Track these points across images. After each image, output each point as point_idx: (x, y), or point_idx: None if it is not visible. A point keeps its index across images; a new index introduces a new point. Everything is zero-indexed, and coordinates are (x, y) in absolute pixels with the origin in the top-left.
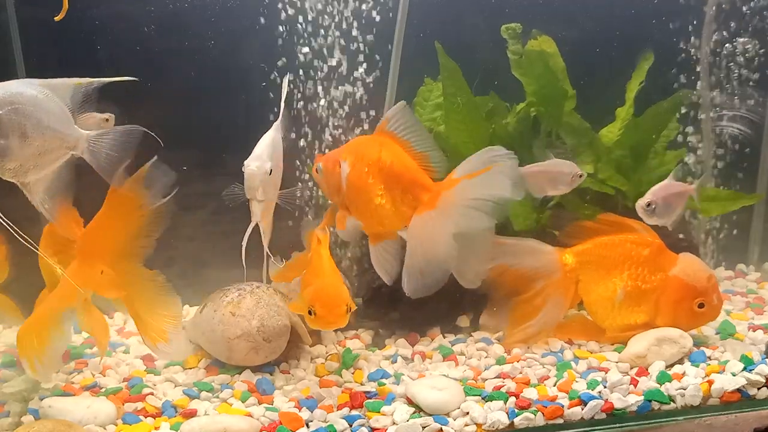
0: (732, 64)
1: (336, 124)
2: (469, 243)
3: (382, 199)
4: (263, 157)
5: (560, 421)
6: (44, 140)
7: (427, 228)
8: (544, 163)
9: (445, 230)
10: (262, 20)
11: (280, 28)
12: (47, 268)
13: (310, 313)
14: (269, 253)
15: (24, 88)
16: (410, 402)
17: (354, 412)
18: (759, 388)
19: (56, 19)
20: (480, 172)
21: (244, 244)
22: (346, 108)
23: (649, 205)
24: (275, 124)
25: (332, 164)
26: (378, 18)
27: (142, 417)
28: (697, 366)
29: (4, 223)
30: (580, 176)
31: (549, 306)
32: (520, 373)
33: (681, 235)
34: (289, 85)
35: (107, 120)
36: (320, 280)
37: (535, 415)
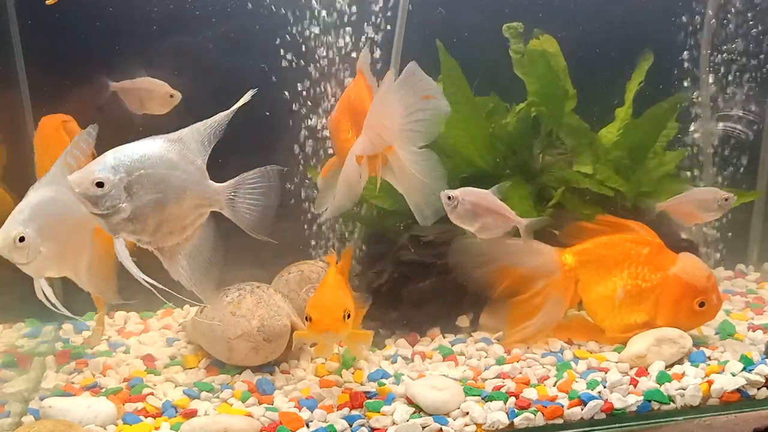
0: (732, 64)
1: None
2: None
3: (348, 134)
4: (93, 167)
5: (560, 421)
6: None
7: (352, 152)
8: (688, 193)
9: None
10: (262, 20)
11: (282, 25)
12: None
13: (307, 319)
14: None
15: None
16: (410, 402)
17: (354, 412)
18: (759, 388)
19: (48, 2)
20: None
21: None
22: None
23: (449, 198)
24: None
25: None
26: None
27: (142, 417)
28: (697, 366)
29: None
30: (726, 199)
31: (549, 306)
32: (520, 373)
33: (682, 235)
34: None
35: (172, 96)
36: (318, 292)
37: (535, 415)
